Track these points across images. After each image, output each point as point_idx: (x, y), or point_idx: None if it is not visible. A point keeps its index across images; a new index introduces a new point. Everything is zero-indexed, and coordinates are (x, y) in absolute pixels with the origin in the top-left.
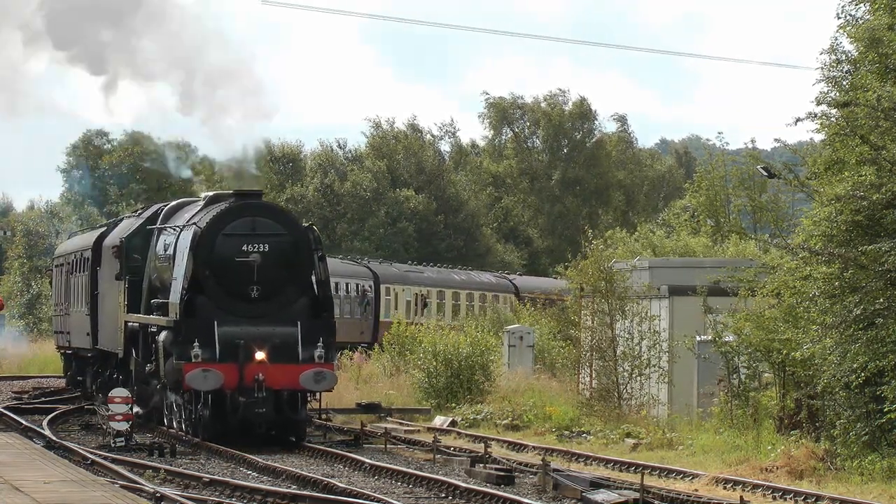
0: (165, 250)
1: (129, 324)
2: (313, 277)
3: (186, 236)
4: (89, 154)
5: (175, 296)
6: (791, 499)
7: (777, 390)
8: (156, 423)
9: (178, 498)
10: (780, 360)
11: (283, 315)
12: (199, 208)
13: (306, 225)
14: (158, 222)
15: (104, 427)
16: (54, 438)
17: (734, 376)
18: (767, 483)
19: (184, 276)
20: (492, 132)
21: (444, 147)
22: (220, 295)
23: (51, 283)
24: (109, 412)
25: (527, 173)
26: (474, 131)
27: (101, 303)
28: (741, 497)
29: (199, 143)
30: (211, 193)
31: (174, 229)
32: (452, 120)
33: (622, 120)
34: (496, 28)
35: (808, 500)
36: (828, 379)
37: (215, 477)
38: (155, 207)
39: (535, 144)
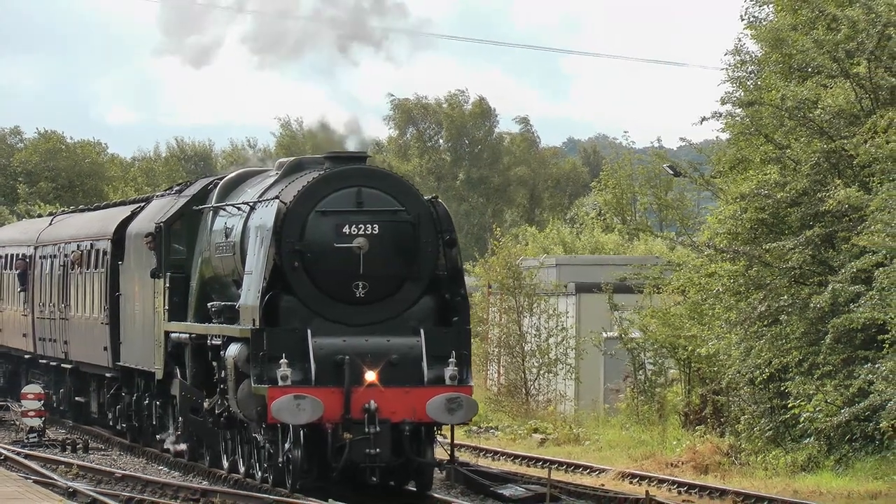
0: (227, 236)
1: (173, 334)
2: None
3: (265, 215)
4: (2, 153)
5: (251, 296)
6: (696, 493)
7: (683, 386)
8: (208, 467)
9: (91, 493)
10: (685, 357)
11: (401, 321)
12: (273, 179)
13: (429, 198)
14: (213, 200)
15: (17, 423)
16: None
17: (640, 372)
18: (673, 478)
19: (262, 270)
20: (397, 132)
21: (350, 146)
22: (313, 294)
23: (23, 274)
24: (22, 408)
25: (433, 172)
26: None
27: (124, 307)
28: (647, 492)
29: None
30: (289, 159)
31: (240, 208)
32: (356, 118)
33: (525, 122)
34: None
35: (713, 495)
36: (732, 375)
37: (127, 472)
38: (203, 182)
39: (439, 144)
